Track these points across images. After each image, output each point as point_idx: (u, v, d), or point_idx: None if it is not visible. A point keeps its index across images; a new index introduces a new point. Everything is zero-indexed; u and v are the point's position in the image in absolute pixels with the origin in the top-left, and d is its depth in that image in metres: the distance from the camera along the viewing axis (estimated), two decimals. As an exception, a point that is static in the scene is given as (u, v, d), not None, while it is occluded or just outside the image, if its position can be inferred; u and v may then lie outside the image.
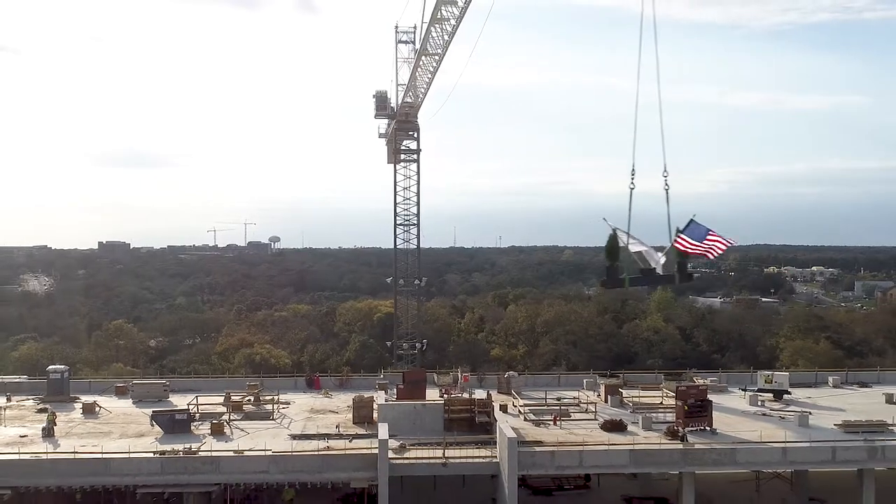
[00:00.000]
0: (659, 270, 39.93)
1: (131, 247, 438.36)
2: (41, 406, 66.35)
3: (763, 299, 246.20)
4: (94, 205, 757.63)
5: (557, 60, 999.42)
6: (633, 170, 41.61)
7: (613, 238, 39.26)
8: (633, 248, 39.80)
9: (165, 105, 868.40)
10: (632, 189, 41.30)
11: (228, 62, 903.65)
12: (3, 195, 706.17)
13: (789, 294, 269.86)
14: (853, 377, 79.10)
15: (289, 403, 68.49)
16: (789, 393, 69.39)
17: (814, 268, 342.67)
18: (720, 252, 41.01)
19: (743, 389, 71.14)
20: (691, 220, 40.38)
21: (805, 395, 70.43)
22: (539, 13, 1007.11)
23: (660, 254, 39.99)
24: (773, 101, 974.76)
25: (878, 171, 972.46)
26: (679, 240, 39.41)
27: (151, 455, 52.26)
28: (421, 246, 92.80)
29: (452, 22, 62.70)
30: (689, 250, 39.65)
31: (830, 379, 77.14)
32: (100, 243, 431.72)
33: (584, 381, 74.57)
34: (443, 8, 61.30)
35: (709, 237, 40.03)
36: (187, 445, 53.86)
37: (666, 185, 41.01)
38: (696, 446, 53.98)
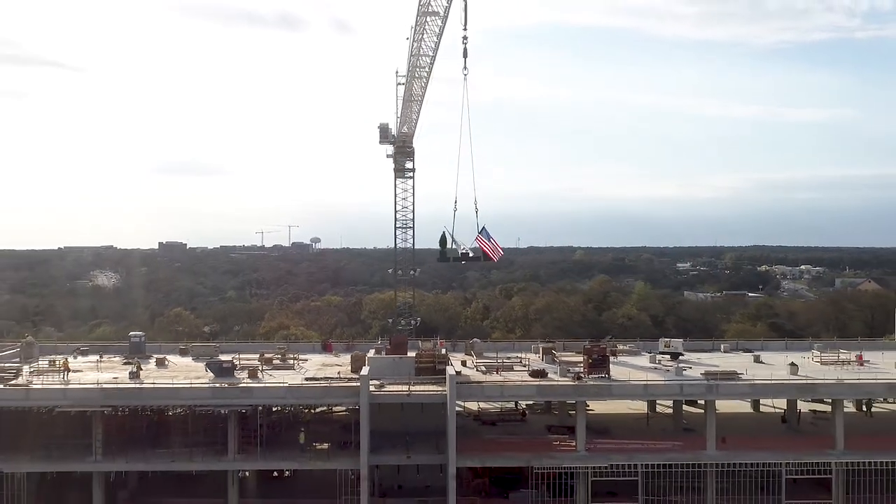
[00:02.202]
0: (469, 254, 60.53)
1: (188, 247, 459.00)
2: (126, 361, 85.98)
3: (750, 294, 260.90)
4: (155, 209, 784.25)
5: (575, 76, 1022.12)
6: (456, 199, 64.67)
7: (443, 235, 60.35)
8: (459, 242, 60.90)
9: (216, 118, 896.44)
10: (455, 211, 65.56)
11: (272, 79, 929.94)
12: (74, 201, 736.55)
13: (775, 290, 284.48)
14: (742, 345, 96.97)
15: (307, 360, 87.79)
16: (682, 355, 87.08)
17: (802, 266, 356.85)
18: (497, 257, 62.38)
19: (648, 352, 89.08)
20: (483, 227, 60.93)
21: (696, 357, 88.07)
22: (553, 32, 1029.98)
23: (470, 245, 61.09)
24: (772, 114, 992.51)
25: (870, 178, 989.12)
26: (479, 237, 59.79)
27: (205, 385, 71.94)
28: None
29: (424, 80, 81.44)
30: (483, 247, 60.22)
31: (722, 346, 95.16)
32: (160, 243, 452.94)
33: (532, 346, 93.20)
34: (416, 70, 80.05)
35: (492, 241, 60.65)
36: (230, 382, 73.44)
37: (476, 208, 65.32)
38: (587, 383, 72.38)
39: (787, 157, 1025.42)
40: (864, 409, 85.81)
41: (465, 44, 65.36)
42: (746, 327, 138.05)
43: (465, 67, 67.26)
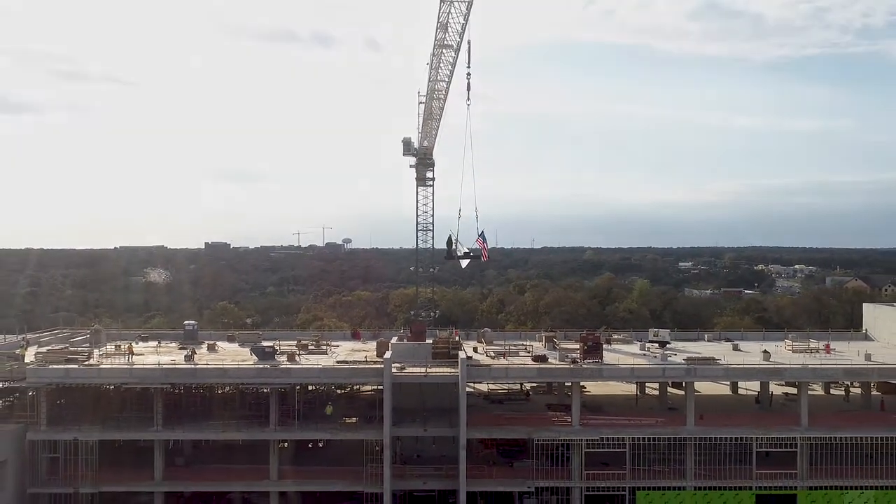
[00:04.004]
0: (469, 252, 66.02)
1: (231, 246, 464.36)
2: (181, 346, 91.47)
3: (746, 291, 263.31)
4: (201, 212, 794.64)
5: (586, 89, 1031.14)
6: (461, 208, 70.92)
7: (450, 238, 65.53)
8: (462, 244, 66.30)
9: (257, 128, 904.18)
10: (459, 218, 72.70)
11: (307, 91, 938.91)
12: (131, 205, 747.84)
13: (770, 287, 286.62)
14: (724, 335, 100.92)
15: (338, 346, 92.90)
16: (669, 343, 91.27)
17: (796, 266, 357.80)
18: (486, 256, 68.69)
19: (639, 341, 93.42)
20: (482, 231, 66.18)
21: (682, 346, 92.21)
22: (566, 49, 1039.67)
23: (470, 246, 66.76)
24: (771, 123, 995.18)
25: (861, 184, 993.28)
26: (478, 240, 65.13)
27: (251, 366, 77.26)
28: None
29: (442, 101, 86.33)
30: (480, 246, 65.85)
31: (706, 336, 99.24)
32: (206, 243, 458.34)
33: (536, 335, 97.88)
34: (434, 92, 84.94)
35: (485, 244, 66.78)
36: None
37: (476, 215, 72.01)
38: (582, 367, 76.96)
39: (785, 164, 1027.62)
40: (844, 392, 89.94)
41: (469, 79, 71.84)
42: (735, 320, 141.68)
43: (468, 99, 74.16)
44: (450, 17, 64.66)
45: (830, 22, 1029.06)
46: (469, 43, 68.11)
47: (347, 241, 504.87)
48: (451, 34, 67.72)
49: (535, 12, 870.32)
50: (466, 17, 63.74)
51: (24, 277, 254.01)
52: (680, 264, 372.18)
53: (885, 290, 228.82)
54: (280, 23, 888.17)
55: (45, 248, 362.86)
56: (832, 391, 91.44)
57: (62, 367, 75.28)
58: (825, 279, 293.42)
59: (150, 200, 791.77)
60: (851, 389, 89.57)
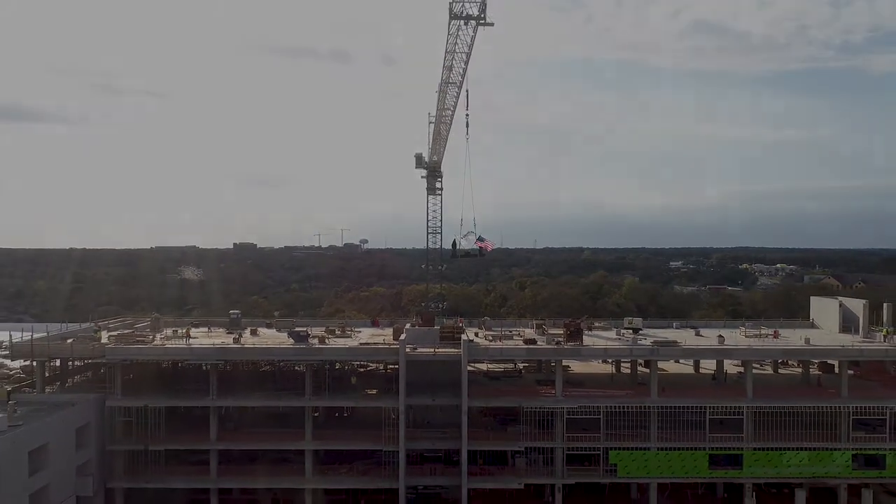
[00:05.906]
0: (471, 253, 76.54)
1: (257, 246, 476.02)
2: (228, 331, 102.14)
3: (730, 288, 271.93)
4: (229, 214, 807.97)
5: (586, 101, 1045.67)
6: (462, 218, 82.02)
7: (454, 241, 76.39)
8: (463, 244, 76.77)
9: (280, 137, 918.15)
10: (461, 223, 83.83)
11: (327, 103, 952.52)
12: (164, 208, 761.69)
13: (752, 284, 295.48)
14: (691, 324, 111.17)
15: (360, 332, 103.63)
16: (641, 329, 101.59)
17: (778, 265, 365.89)
18: (490, 248, 77.89)
19: (615, 328, 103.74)
20: (480, 235, 76.43)
21: (652, 331, 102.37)
22: (568, 64, 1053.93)
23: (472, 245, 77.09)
24: (757, 134, 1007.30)
25: (839, 189, 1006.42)
26: (477, 241, 75.56)
27: (289, 346, 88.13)
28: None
29: (448, 125, 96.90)
30: (480, 244, 75.98)
31: (674, 324, 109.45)
32: (234, 244, 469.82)
33: (529, 323, 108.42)
34: (442, 117, 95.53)
35: (486, 240, 76.76)
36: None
37: (474, 222, 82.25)
38: (563, 347, 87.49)
39: (770, 170, 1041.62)
40: (802, 371, 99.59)
41: (468, 119, 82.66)
42: (709, 312, 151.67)
43: (467, 134, 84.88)
44: (453, 62, 75.41)
45: (813, 38, 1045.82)
46: (468, 91, 78.95)
47: (364, 241, 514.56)
48: (454, 75, 78.47)
49: (537, 30, 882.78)
50: (467, 63, 74.47)
51: (69, 274, 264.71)
52: (670, 263, 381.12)
53: (856, 286, 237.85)
54: (301, 40, 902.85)
55: (86, 247, 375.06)
56: (785, 371, 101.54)
57: (135, 346, 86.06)
58: (803, 277, 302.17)
59: (182, 204, 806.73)
60: (811, 370, 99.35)
